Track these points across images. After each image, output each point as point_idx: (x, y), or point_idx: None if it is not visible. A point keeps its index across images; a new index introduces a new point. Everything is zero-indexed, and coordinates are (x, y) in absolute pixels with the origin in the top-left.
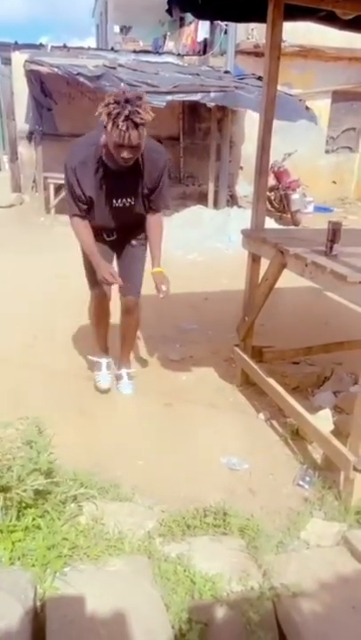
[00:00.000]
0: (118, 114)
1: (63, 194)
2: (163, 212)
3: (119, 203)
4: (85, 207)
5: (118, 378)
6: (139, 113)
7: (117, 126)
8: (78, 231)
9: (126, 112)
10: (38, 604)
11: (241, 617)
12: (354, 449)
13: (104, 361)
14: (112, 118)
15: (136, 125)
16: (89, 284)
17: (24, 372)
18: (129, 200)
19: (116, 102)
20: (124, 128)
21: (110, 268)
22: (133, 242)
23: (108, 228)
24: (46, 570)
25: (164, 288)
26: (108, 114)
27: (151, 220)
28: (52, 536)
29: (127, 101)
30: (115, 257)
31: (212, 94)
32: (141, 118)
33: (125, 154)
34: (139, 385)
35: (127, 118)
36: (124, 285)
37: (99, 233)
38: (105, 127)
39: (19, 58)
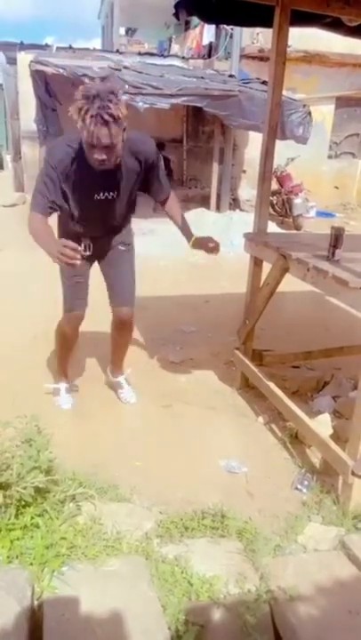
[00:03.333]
0: (87, 110)
1: None
2: (172, 192)
3: (101, 196)
4: (51, 210)
5: (118, 386)
6: (109, 108)
7: (85, 124)
8: (35, 226)
9: (95, 108)
10: (35, 602)
11: (237, 619)
12: (352, 454)
13: (63, 386)
14: (81, 115)
15: (106, 122)
16: (66, 305)
17: (23, 372)
18: (111, 193)
19: (85, 97)
20: (92, 126)
21: (67, 241)
22: (120, 246)
23: (89, 234)
24: (44, 569)
25: (211, 245)
26: (78, 110)
27: (167, 205)
28: (50, 535)
29: (96, 96)
30: (101, 272)
31: (215, 102)
32: (111, 114)
33: (97, 154)
34: (138, 386)
35: (96, 115)
36: (117, 295)
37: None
38: (78, 122)
39: (24, 58)
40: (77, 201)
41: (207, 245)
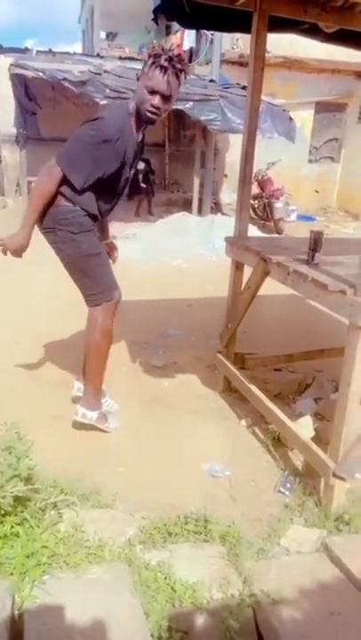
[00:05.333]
0: (161, 55)
1: None
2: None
3: (129, 172)
4: (84, 184)
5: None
6: (181, 64)
7: (154, 69)
8: (49, 188)
9: (169, 59)
10: (16, 612)
11: (221, 624)
12: (334, 455)
13: (103, 406)
14: (152, 60)
15: (175, 74)
16: (104, 293)
17: (2, 378)
18: (132, 170)
19: (164, 52)
20: (160, 73)
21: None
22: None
23: (101, 211)
24: (25, 578)
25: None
26: (153, 54)
27: None
28: (30, 544)
29: (173, 56)
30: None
31: (194, 106)
32: (181, 70)
33: (157, 101)
34: (121, 391)
35: (169, 65)
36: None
37: (94, 221)
38: (142, 71)
39: (3, 61)
40: (113, 175)
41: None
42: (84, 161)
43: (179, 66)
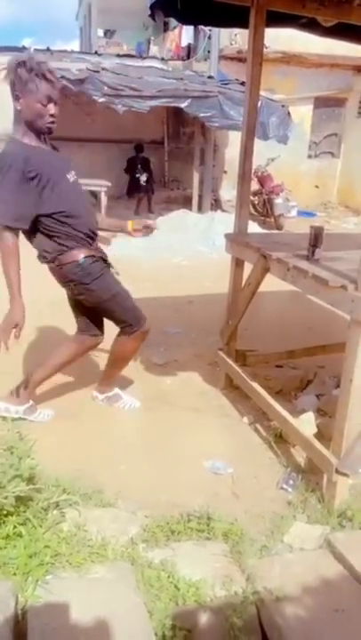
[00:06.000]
0: (36, 69)
1: None
2: None
3: (72, 176)
4: (24, 223)
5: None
6: (42, 63)
7: (45, 77)
8: (8, 251)
9: (41, 67)
10: (20, 612)
11: (224, 622)
12: (336, 452)
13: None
14: (35, 72)
15: (54, 79)
16: (133, 323)
17: (2, 377)
18: (73, 172)
19: (22, 63)
20: (45, 83)
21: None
22: None
23: (91, 228)
24: (28, 578)
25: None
26: (30, 69)
27: None
28: (33, 544)
29: (30, 59)
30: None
31: (193, 103)
32: (50, 71)
33: (54, 110)
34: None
35: (47, 71)
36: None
37: (91, 244)
38: (19, 89)
39: (0, 60)
40: (59, 187)
41: None
42: (11, 201)
43: (46, 67)
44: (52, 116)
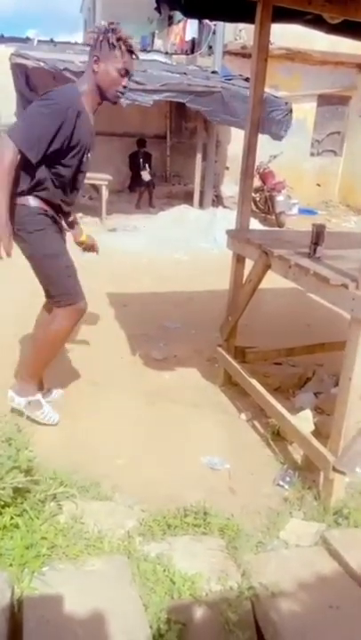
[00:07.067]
0: (125, 40)
1: None
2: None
3: (86, 158)
4: (40, 157)
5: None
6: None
7: (130, 51)
8: (4, 167)
9: (129, 40)
10: (15, 603)
11: (219, 617)
12: (333, 449)
13: (39, 396)
14: (118, 42)
15: (136, 55)
16: (70, 297)
17: (2, 371)
18: (89, 154)
19: (114, 28)
20: (126, 55)
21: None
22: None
23: (62, 201)
24: (24, 569)
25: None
26: (118, 38)
27: None
28: (30, 535)
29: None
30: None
31: (196, 98)
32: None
33: (126, 82)
34: (121, 383)
35: (131, 45)
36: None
37: (57, 211)
38: (101, 52)
39: (4, 51)
40: (71, 157)
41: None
42: (37, 132)
43: (132, 42)
44: (123, 87)
